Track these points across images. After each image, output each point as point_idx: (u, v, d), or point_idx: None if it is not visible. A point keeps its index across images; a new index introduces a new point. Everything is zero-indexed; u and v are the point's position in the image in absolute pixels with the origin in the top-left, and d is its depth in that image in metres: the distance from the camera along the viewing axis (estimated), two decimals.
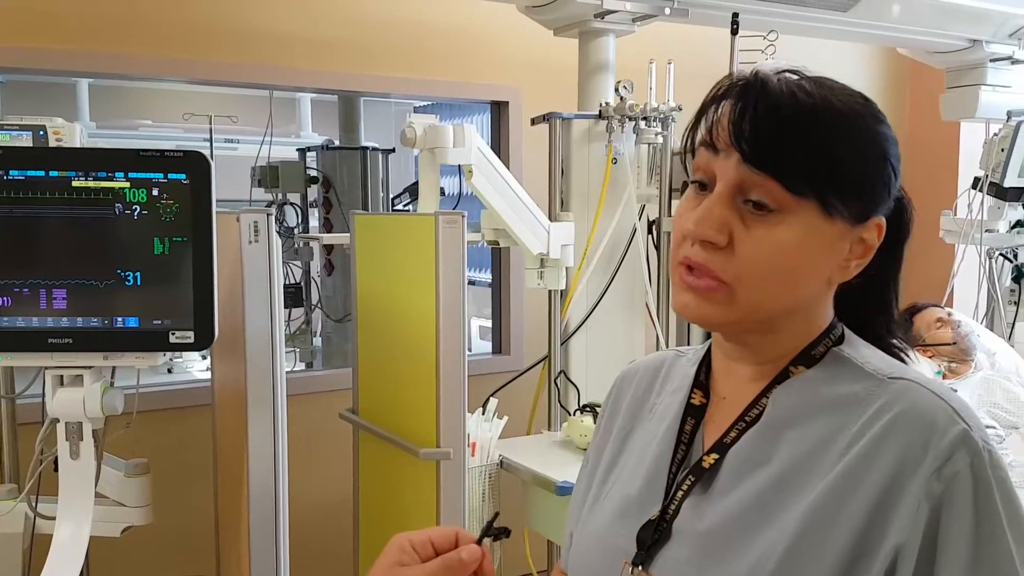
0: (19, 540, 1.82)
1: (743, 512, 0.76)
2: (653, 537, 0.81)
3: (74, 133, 1.93)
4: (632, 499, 0.86)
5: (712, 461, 0.81)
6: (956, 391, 2.38)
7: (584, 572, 0.88)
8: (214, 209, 1.70)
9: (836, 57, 3.98)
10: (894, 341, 0.87)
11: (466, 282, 2.02)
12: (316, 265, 3.99)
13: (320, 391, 3.01)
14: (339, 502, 2.64)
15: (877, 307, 0.86)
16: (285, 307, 3.68)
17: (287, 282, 3.88)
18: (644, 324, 2.79)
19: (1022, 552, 0.71)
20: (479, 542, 0.78)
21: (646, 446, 0.89)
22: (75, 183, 1.65)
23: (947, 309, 2.88)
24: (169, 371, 3.96)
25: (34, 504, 1.81)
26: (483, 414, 2.39)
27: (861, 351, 0.81)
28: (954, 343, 2.69)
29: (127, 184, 1.67)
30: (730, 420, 0.82)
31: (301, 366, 3.92)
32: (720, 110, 0.76)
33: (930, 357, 2.73)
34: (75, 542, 1.69)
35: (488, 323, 3.79)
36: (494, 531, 0.80)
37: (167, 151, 1.68)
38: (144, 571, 1.61)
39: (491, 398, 2.45)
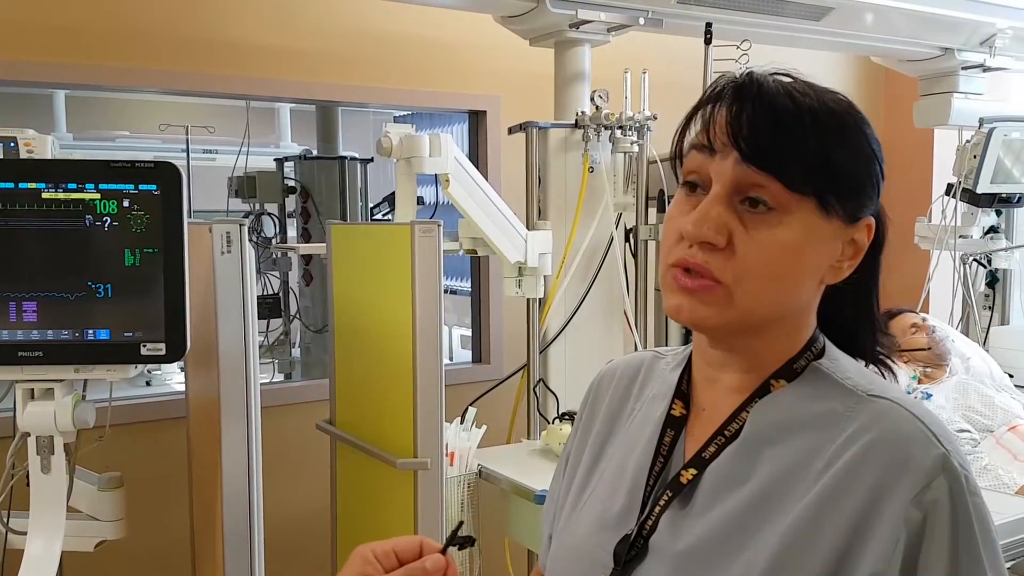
0: None
1: (720, 533, 0.76)
2: (629, 554, 0.80)
3: (45, 144, 1.92)
4: (611, 511, 0.85)
5: (690, 476, 0.80)
6: (931, 395, 2.38)
7: None
8: (185, 220, 1.69)
9: (809, 64, 3.99)
10: (879, 349, 0.87)
11: (442, 291, 2.02)
12: (295, 275, 3.97)
13: (298, 402, 2.99)
14: (317, 513, 2.63)
15: (862, 315, 0.87)
16: (263, 318, 3.67)
17: (266, 293, 3.87)
18: (622, 331, 2.80)
19: None
20: (443, 551, 0.77)
21: (626, 455, 0.88)
22: (45, 195, 1.64)
23: (922, 315, 2.90)
24: (148, 384, 3.93)
25: (5, 519, 1.78)
26: (461, 423, 2.39)
27: (841, 365, 0.81)
28: (929, 348, 2.71)
29: (97, 195, 1.66)
30: (709, 432, 0.82)
31: (280, 377, 3.90)
32: (716, 111, 0.76)
33: (905, 362, 2.75)
34: (47, 557, 1.67)
35: (469, 332, 3.78)
36: (459, 540, 0.80)
37: (137, 162, 1.68)
38: None
39: (470, 407, 2.44)
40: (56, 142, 1.98)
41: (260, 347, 3.83)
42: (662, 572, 0.78)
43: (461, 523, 0.82)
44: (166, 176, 1.68)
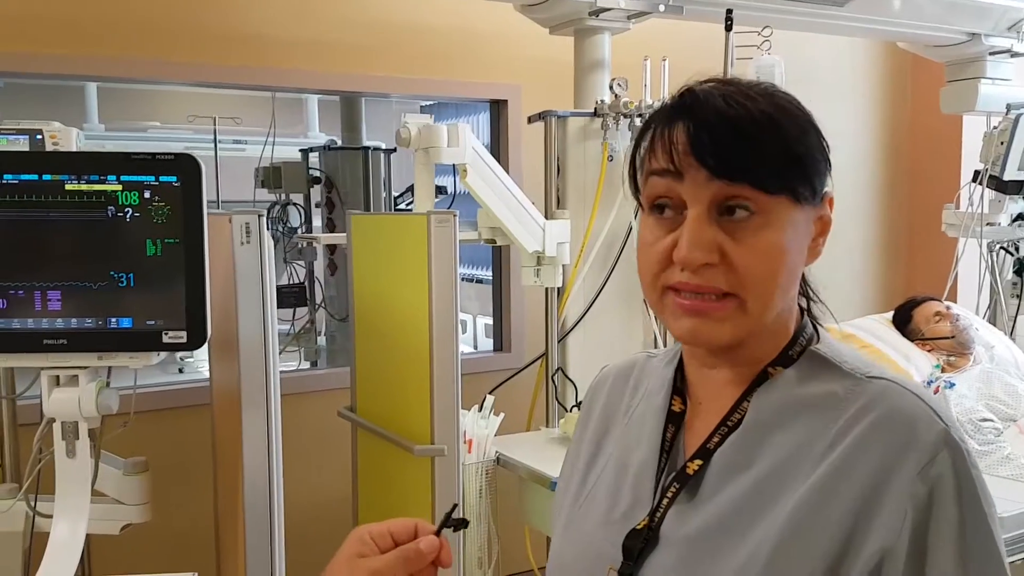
0: (19, 539, 1.85)
1: (728, 516, 0.77)
2: (640, 545, 0.81)
3: (70, 137, 1.96)
4: (616, 507, 0.86)
5: (696, 467, 0.81)
6: (954, 384, 2.35)
7: None
8: (205, 211, 1.72)
9: (834, 50, 3.97)
10: (809, 304, 0.88)
11: (458, 280, 2.04)
12: (320, 265, 4.01)
13: (321, 389, 3.03)
14: (339, 499, 2.66)
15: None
16: (289, 307, 3.71)
17: (292, 282, 3.91)
18: (641, 320, 2.80)
19: (1000, 547, 0.72)
20: (437, 533, 0.79)
21: (627, 452, 0.89)
22: (68, 186, 1.67)
23: (946, 303, 2.87)
24: (180, 371, 4.01)
25: (33, 503, 1.83)
26: (479, 411, 2.41)
27: (836, 349, 0.82)
28: (952, 337, 2.68)
29: (119, 187, 1.69)
30: (710, 425, 0.83)
31: (306, 365, 3.95)
32: (672, 134, 0.76)
33: (929, 351, 2.72)
34: (72, 539, 1.71)
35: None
36: (452, 522, 0.81)
37: (158, 154, 1.70)
38: (144, 568, 1.63)
39: (488, 395, 2.46)
40: (81, 134, 2.02)
41: (286, 336, 3.89)
42: (672, 559, 0.79)
43: (455, 505, 0.83)
44: (186, 168, 1.71)
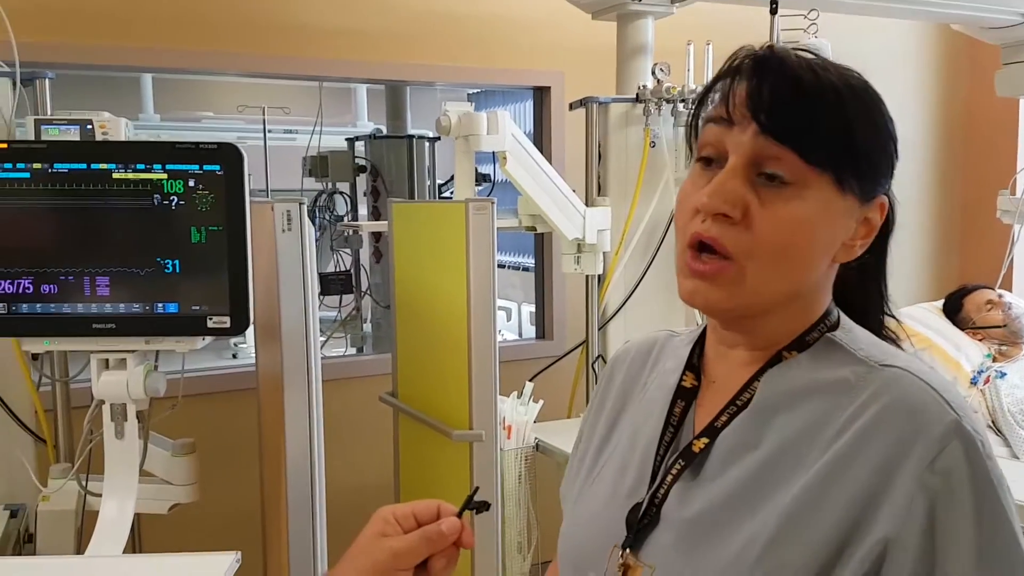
0: (71, 516, 1.92)
1: (730, 498, 0.76)
2: (641, 522, 0.81)
3: (119, 126, 2.01)
4: (623, 483, 0.86)
5: (702, 446, 0.80)
6: (1005, 374, 2.30)
7: (575, 554, 0.89)
8: (247, 199, 1.76)
9: (885, 33, 3.88)
10: (890, 334, 0.86)
11: (495, 267, 2.05)
12: (366, 253, 4.06)
13: (364, 375, 3.08)
14: (381, 483, 2.70)
15: (872, 296, 0.86)
16: (335, 294, 3.76)
17: (338, 270, 3.96)
18: (683, 308, 2.78)
19: (1020, 537, 0.71)
20: (459, 515, 0.80)
21: (637, 428, 0.89)
22: (115, 175, 1.73)
23: (998, 291, 2.80)
24: (234, 356, 4.09)
25: (84, 482, 1.90)
26: (519, 398, 2.42)
27: (854, 336, 0.81)
28: (1004, 326, 2.62)
29: (164, 176, 1.74)
30: (721, 404, 0.82)
31: (352, 351, 4.00)
32: (736, 83, 0.76)
33: (980, 340, 2.67)
34: (120, 517, 1.77)
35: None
36: (474, 504, 0.82)
37: (201, 143, 1.74)
38: (192, 547, 1.68)
39: (527, 382, 2.48)
40: (130, 124, 2.07)
41: (333, 322, 3.95)
42: (673, 538, 0.79)
43: (476, 488, 0.84)
44: (229, 157, 1.75)
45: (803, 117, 0.73)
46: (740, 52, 0.78)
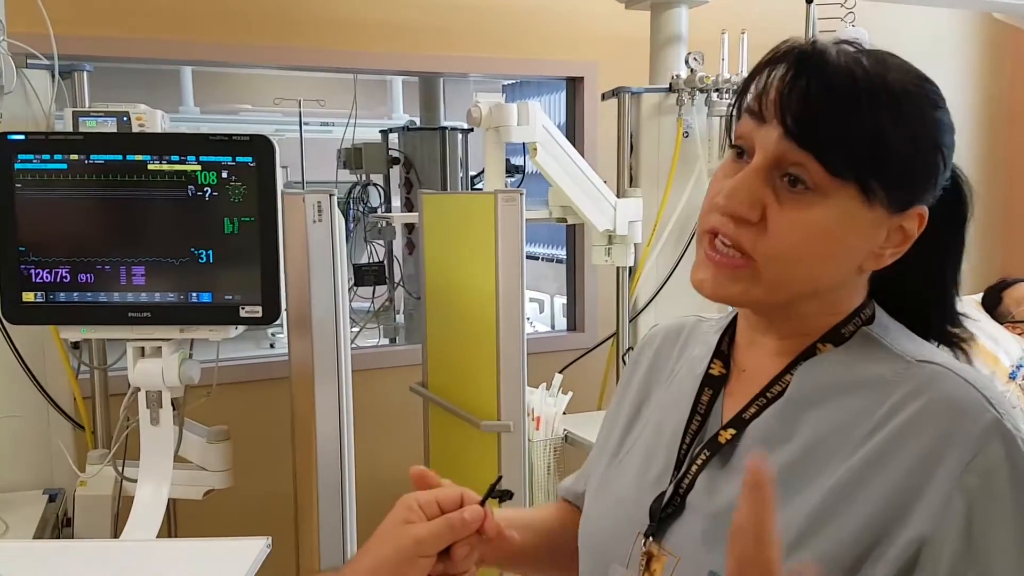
0: (108, 501, 1.96)
1: None
2: (666, 511, 0.81)
3: (155, 118, 2.04)
4: (649, 470, 0.86)
5: (729, 436, 0.80)
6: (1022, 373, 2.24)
7: (597, 539, 0.89)
8: (279, 190, 1.78)
9: (926, 22, 3.80)
10: (955, 331, 0.84)
11: (524, 258, 2.05)
12: (399, 244, 4.08)
13: (396, 365, 3.10)
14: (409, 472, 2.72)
15: (934, 296, 0.83)
16: (368, 285, 3.79)
17: (371, 261, 3.99)
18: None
19: None
20: (482, 503, 0.81)
21: (664, 415, 0.89)
22: (151, 166, 1.76)
23: None
24: (272, 346, 4.15)
25: (120, 467, 1.94)
26: (547, 389, 2.43)
27: (891, 332, 0.79)
28: None
29: (198, 167, 1.76)
30: (750, 394, 0.81)
31: (385, 341, 4.04)
32: (771, 77, 0.73)
33: (1019, 334, 2.62)
34: (155, 502, 1.81)
35: None
36: (498, 493, 0.83)
37: (234, 135, 1.77)
38: (226, 532, 1.71)
39: (557, 374, 2.48)
40: (166, 116, 2.10)
41: (366, 313, 3.98)
42: (698, 529, 0.78)
43: (500, 477, 0.85)
44: (261, 149, 1.77)
45: (831, 125, 0.70)
46: (782, 44, 0.75)
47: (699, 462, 0.81)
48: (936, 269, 0.83)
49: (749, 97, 0.76)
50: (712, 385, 0.86)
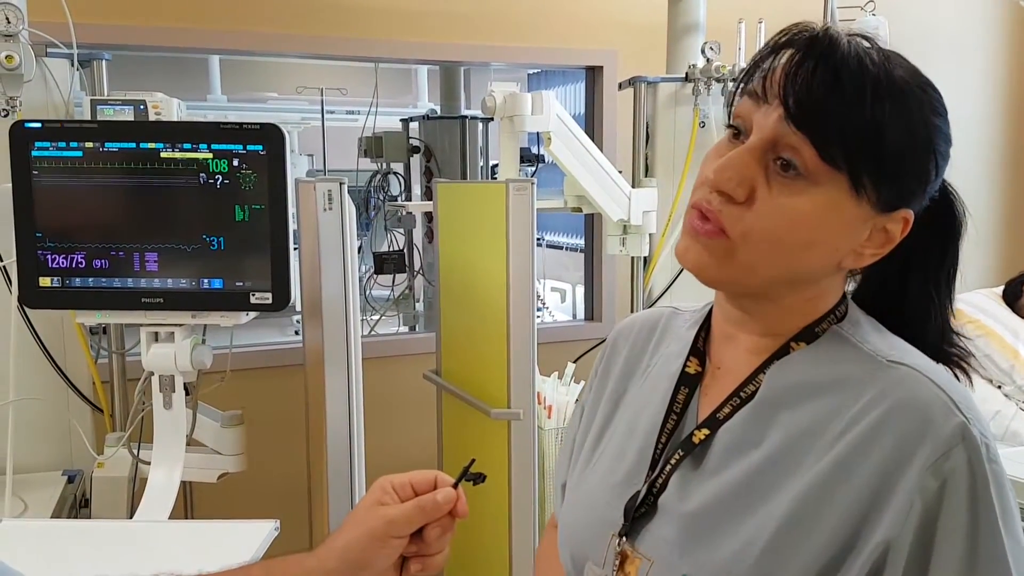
0: (124, 483, 2.00)
1: (730, 495, 0.75)
2: (639, 511, 0.81)
3: (171, 107, 2.07)
4: (621, 469, 0.86)
5: (702, 436, 0.79)
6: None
7: (574, 540, 0.89)
8: (289, 178, 1.80)
9: (950, 8, 3.74)
10: (952, 350, 0.82)
11: (535, 247, 2.06)
12: (419, 232, 4.10)
13: (415, 353, 3.12)
14: (426, 459, 2.75)
15: (925, 315, 0.82)
16: (388, 273, 3.82)
17: (391, 249, 4.02)
18: None
19: (1015, 548, 0.69)
20: (455, 486, 0.82)
21: (638, 413, 0.88)
22: (163, 154, 1.78)
23: None
24: (296, 332, 4.19)
25: (135, 450, 1.97)
26: (559, 378, 2.43)
27: (862, 329, 0.79)
28: None
29: (210, 155, 1.78)
30: (725, 392, 0.81)
31: (404, 329, 4.06)
32: (778, 59, 0.73)
33: None
34: (167, 484, 1.84)
35: None
36: (471, 476, 0.84)
37: (245, 124, 1.79)
38: (241, 515, 1.74)
39: (570, 364, 2.48)
40: (182, 104, 2.13)
41: (386, 301, 4.01)
42: (671, 531, 0.78)
43: (473, 460, 0.86)
44: (271, 137, 1.79)
45: (831, 112, 0.70)
46: (793, 27, 0.74)
47: (672, 462, 0.81)
48: (929, 286, 0.82)
49: (750, 80, 0.76)
50: (687, 383, 0.85)
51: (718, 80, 2.59)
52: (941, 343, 0.82)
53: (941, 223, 0.80)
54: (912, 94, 0.72)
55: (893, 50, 0.74)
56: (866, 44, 0.73)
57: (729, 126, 0.78)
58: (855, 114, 0.70)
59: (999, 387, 2.52)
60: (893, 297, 0.82)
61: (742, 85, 0.77)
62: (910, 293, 0.82)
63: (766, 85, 0.73)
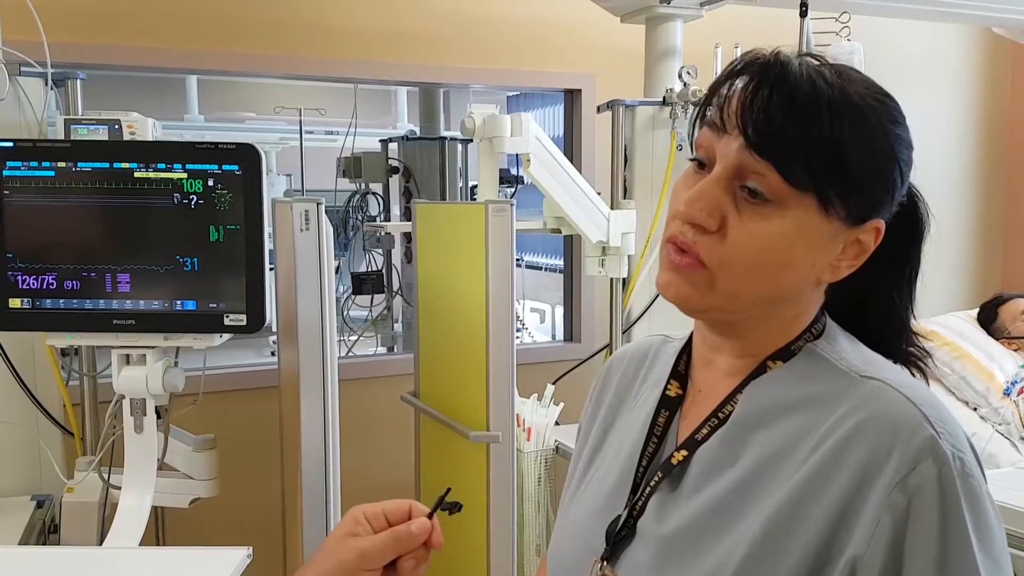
0: (95, 508, 1.96)
1: (705, 516, 0.75)
2: (619, 535, 0.80)
3: (147, 126, 2.05)
4: (605, 494, 0.86)
5: (681, 458, 0.79)
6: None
7: (560, 566, 0.89)
8: (265, 198, 1.78)
9: (924, 37, 3.79)
10: (911, 349, 0.84)
11: (514, 269, 2.05)
12: (397, 253, 4.09)
13: (392, 374, 3.10)
14: (403, 482, 2.72)
15: (891, 318, 0.83)
16: (366, 293, 3.80)
17: (370, 269, 4.00)
18: None
19: (988, 564, 0.68)
20: (430, 516, 0.80)
21: (624, 438, 0.89)
22: (137, 174, 1.76)
23: None
24: (273, 354, 4.15)
25: (106, 475, 1.94)
26: (538, 400, 2.42)
27: (838, 346, 0.79)
28: None
29: (184, 175, 1.77)
30: (704, 414, 0.81)
31: (383, 350, 4.04)
32: (733, 88, 0.74)
33: (1015, 350, 2.60)
34: (138, 509, 1.81)
35: None
36: (446, 505, 0.82)
37: (221, 143, 1.77)
38: (213, 541, 1.71)
39: (549, 385, 2.47)
40: (157, 124, 2.11)
41: (364, 322, 3.98)
42: (647, 555, 0.78)
43: (448, 489, 0.85)
44: (247, 157, 1.78)
45: (791, 136, 0.71)
46: (746, 56, 0.76)
47: (651, 484, 0.81)
48: (892, 287, 0.83)
49: (709, 111, 0.76)
50: (668, 406, 0.85)
51: (695, 104, 2.60)
52: (901, 343, 0.83)
53: (906, 225, 0.81)
54: (868, 107, 0.73)
55: (844, 64, 0.75)
56: (816, 63, 0.74)
57: (692, 159, 0.78)
58: (814, 135, 0.70)
59: (975, 409, 2.53)
60: (857, 297, 0.82)
61: (701, 115, 0.78)
62: (874, 294, 0.83)
63: (723, 116, 0.74)
